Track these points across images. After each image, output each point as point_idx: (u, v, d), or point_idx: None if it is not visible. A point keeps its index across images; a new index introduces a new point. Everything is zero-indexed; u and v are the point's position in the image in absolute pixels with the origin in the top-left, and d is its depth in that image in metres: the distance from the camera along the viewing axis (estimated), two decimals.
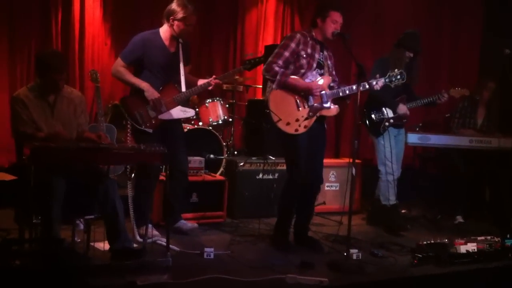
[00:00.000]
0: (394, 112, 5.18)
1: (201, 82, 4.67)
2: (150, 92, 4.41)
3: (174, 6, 4.42)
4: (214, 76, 4.68)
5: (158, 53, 4.47)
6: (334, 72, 4.59)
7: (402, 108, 5.18)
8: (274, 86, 4.32)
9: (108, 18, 6.42)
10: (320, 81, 4.39)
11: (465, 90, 5.42)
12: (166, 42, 4.51)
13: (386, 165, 5.17)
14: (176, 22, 4.42)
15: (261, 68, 6.26)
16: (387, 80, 4.51)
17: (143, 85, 4.42)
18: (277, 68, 4.30)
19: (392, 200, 5.24)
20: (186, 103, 4.65)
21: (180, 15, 4.40)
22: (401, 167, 5.39)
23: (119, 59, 4.50)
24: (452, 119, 6.09)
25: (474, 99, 5.95)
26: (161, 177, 4.72)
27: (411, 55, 5.12)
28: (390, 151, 5.11)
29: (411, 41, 5.13)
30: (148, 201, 4.58)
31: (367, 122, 5.23)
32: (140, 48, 4.44)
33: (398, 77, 4.49)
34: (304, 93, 4.34)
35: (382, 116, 5.17)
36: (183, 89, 4.55)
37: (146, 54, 4.44)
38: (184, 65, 4.62)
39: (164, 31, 4.51)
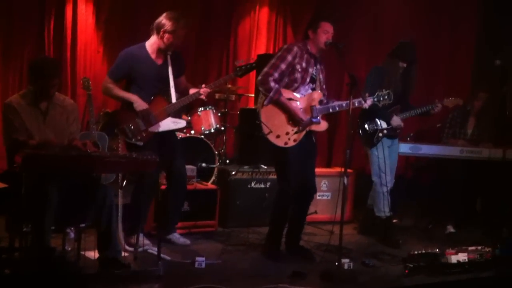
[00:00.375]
0: (388, 123, 5.15)
1: (192, 91, 4.67)
2: (139, 103, 4.41)
3: (165, 19, 4.43)
4: (203, 85, 4.68)
5: (145, 67, 4.47)
6: (324, 86, 4.62)
7: (396, 120, 5.16)
8: (265, 102, 4.33)
9: (101, 25, 6.41)
10: (311, 95, 4.43)
11: (459, 99, 5.42)
12: (153, 55, 4.51)
13: (381, 177, 5.15)
14: (166, 35, 4.42)
15: (253, 75, 6.34)
16: (375, 99, 4.56)
17: (133, 97, 4.43)
18: (272, 84, 4.31)
19: (386, 212, 5.19)
20: (177, 114, 4.63)
21: (171, 27, 4.40)
22: (394, 177, 5.39)
23: (107, 77, 4.53)
24: (442, 130, 6.13)
25: (465, 109, 5.99)
26: (163, 186, 4.71)
27: (405, 65, 5.12)
28: (384, 162, 5.09)
29: (404, 51, 5.13)
30: (143, 210, 4.56)
31: (361, 132, 5.21)
32: (126, 64, 4.46)
33: (386, 97, 4.54)
34: (291, 116, 4.36)
35: (375, 127, 5.14)
36: (174, 100, 4.54)
37: (133, 69, 4.45)
38: (175, 77, 4.61)
39: (151, 43, 4.51)
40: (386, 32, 7.35)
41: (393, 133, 5.24)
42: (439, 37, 7.60)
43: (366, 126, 5.17)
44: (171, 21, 4.40)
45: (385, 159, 5.09)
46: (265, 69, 4.38)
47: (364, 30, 7.40)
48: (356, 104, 4.43)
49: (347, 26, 6.71)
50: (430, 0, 7.41)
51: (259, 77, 4.39)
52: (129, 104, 4.44)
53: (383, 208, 5.18)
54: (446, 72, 7.69)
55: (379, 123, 5.16)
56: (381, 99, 4.56)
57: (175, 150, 4.65)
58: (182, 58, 4.76)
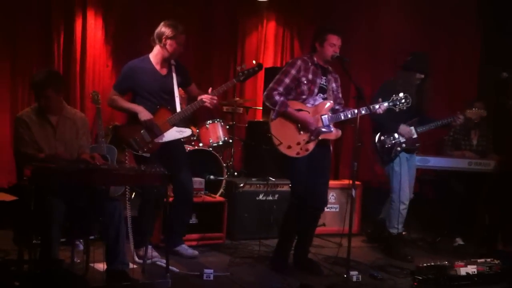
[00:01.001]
0: (396, 134, 5.05)
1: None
2: (143, 113, 4.43)
3: (163, 28, 4.47)
4: (210, 89, 4.68)
5: (149, 78, 4.50)
6: (340, 95, 4.62)
7: (404, 129, 5.04)
8: (272, 116, 4.36)
9: (110, 40, 6.48)
10: (321, 105, 4.43)
11: (482, 111, 5.33)
12: (157, 66, 4.55)
13: (400, 193, 5.01)
14: (169, 41, 4.46)
15: (260, 89, 6.37)
16: (391, 104, 4.46)
17: (137, 108, 4.46)
18: (277, 98, 4.34)
19: (399, 228, 5.11)
20: (182, 123, 4.65)
21: (172, 33, 4.44)
22: (412, 191, 5.26)
23: (112, 90, 4.58)
24: (445, 142, 6.09)
25: (470, 121, 5.94)
26: (171, 198, 4.70)
27: (422, 76, 5.03)
28: (402, 176, 4.98)
29: (421, 62, 5.05)
30: (150, 222, 4.57)
31: (378, 149, 5.08)
32: (129, 77, 4.50)
33: (403, 101, 4.44)
34: (301, 125, 4.38)
35: (393, 141, 5.03)
36: (178, 110, 4.57)
37: (137, 82, 4.49)
38: (182, 86, 4.67)
39: (155, 54, 4.56)
40: (384, 48, 7.29)
41: (412, 147, 5.11)
42: (440, 51, 7.55)
43: (383, 141, 5.07)
44: (170, 28, 4.45)
45: (401, 174, 4.97)
46: (270, 85, 4.43)
47: (362, 46, 7.36)
48: (371, 110, 4.37)
49: (346, 38, 6.70)
50: (430, 12, 7.40)
51: (265, 93, 4.43)
52: (134, 116, 4.47)
53: (396, 225, 5.09)
54: (449, 86, 7.61)
55: (397, 136, 5.06)
56: (398, 103, 4.43)
57: (180, 161, 4.65)
58: (184, 67, 4.78)
